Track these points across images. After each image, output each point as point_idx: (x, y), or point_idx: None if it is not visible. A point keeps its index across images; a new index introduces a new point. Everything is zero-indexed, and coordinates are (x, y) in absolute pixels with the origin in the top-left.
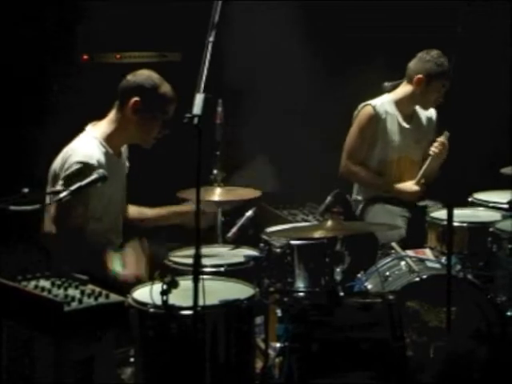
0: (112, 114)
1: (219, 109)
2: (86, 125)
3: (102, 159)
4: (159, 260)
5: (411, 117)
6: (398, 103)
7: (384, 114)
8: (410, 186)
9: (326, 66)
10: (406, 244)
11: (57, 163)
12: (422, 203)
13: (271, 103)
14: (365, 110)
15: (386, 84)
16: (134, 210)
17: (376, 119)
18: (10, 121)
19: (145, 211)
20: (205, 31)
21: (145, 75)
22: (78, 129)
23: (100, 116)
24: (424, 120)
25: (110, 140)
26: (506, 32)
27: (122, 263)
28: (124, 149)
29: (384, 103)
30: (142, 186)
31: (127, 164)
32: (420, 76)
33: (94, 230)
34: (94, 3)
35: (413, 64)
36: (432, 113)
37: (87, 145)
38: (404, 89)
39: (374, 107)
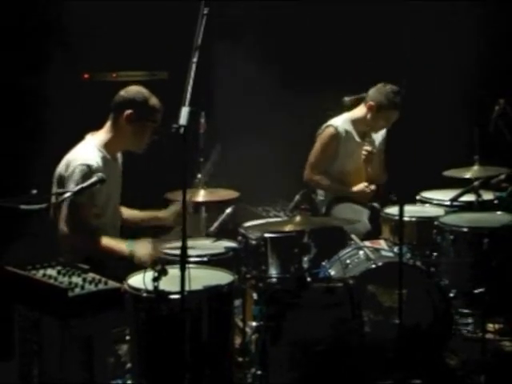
0: (108, 125)
1: (202, 120)
2: (86, 134)
3: (100, 162)
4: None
5: (365, 133)
6: (355, 122)
7: (344, 132)
8: (363, 187)
9: (298, 85)
10: (364, 236)
11: (61, 167)
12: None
13: (245, 121)
14: (328, 130)
15: (346, 99)
16: (125, 212)
17: (337, 138)
18: (22, 132)
19: (135, 213)
20: (189, 53)
21: (135, 90)
22: (79, 137)
23: (98, 126)
24: (376, 135)
25: (106, 146)
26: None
27: (134, 246)
28: (119, 155)
29: (343, 123)
30: (136, 188)
31: (121, 168)
32: (372, 103)
33: (95, 225)
34: (96, 32)
35: (371, 91)
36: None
37: (87, 150)
38: (361, 110)
39: (335, 128)
